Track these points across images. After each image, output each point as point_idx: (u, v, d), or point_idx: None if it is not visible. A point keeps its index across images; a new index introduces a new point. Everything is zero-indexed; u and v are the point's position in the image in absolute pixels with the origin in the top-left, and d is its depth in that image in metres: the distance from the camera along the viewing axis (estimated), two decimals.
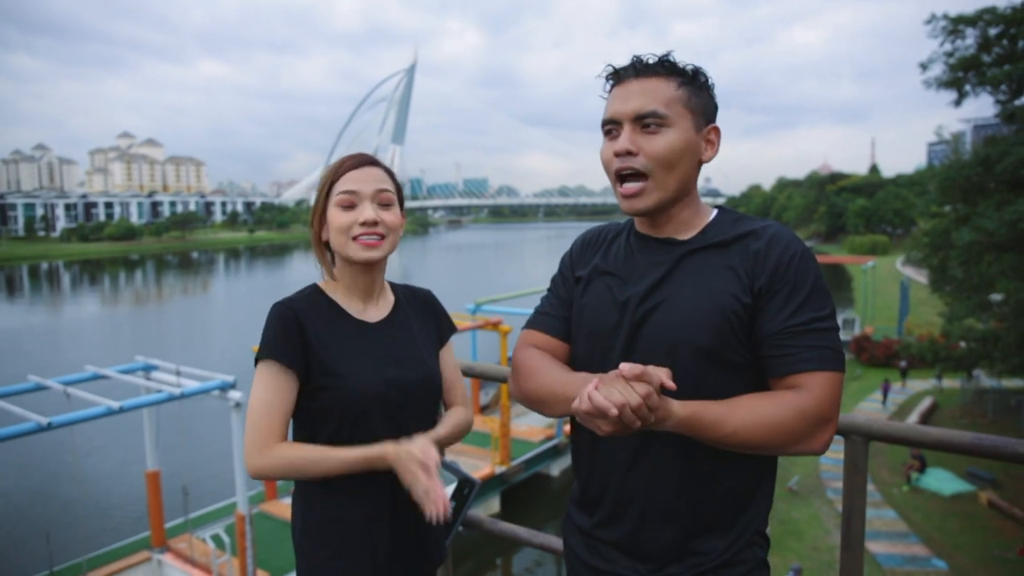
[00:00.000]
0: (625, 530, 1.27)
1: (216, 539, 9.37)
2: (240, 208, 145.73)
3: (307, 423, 1.46)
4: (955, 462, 15.21)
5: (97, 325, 39.00)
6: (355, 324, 1.50)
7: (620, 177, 1.26)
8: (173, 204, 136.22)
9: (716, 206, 1.33)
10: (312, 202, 1.52)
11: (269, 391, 1.40)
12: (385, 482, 1.43)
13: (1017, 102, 16.07)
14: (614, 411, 1.01)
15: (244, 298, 48.76)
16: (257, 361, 1.42)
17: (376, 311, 1.55)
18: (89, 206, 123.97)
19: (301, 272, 72.63)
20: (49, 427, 7.41)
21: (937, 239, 17.59)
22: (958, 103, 16.56)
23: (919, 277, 34.05)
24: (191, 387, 9.01)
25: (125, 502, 13.76)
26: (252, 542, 8.77)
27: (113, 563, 9.84)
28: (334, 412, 1.43)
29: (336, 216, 1.44)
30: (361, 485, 1.43)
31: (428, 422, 1.54)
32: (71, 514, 11.08)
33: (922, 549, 11.79)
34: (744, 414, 1.12)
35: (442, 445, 1.54)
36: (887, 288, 38.81)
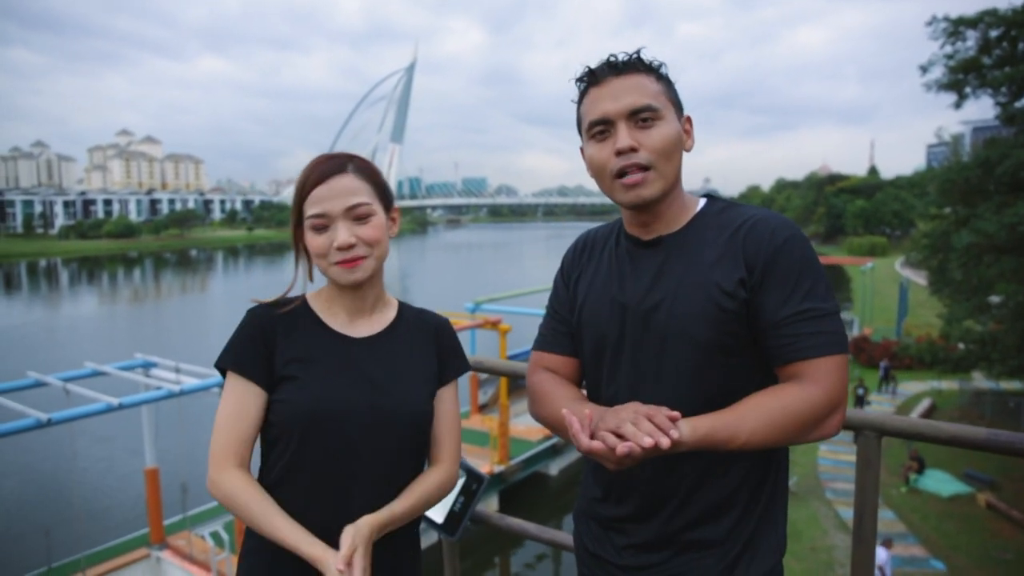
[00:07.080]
0: (634, 515, 1.29)
1: (215, 536, 9.36)
2: (239, 206, 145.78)
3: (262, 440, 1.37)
4: (953, 464, 15.23)
5: (95, 322, 38.97)
6: (332, 337, 1.37)
7: (620, 172, 1.23)
8: (172, 202, 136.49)
9: (705, 194, 1.33)
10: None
11: (229, 405, 1.31)
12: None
13: (1017, 104, 16.11)
14: (615, 456, 1.03)
15: (243, 297, 48.46)
16: (219, 366, 1.34)
17: (366, 326, 1.41)
18: (87, 203, 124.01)
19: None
20: (49, 423, 7.42)
21: (936, 241, 17.65)
22: (958, 105, 16.62)
23: (918, 279, 34.09)
24: (191, 384, 9.01)
25: (124, 499, 13.75)
26: None
27: (112, 560, 9.82)
28: (281, 427, 1.31)
29: (310, 239, 1.31)
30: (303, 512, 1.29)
31: (397, 466, 1.35)
32: (70, 511, 11.04)
33: (920, 550, 11.81)
34: (755, 419, 1.11)
35: (396, 524, 1.31)
36: (886, 289, 38.83)
